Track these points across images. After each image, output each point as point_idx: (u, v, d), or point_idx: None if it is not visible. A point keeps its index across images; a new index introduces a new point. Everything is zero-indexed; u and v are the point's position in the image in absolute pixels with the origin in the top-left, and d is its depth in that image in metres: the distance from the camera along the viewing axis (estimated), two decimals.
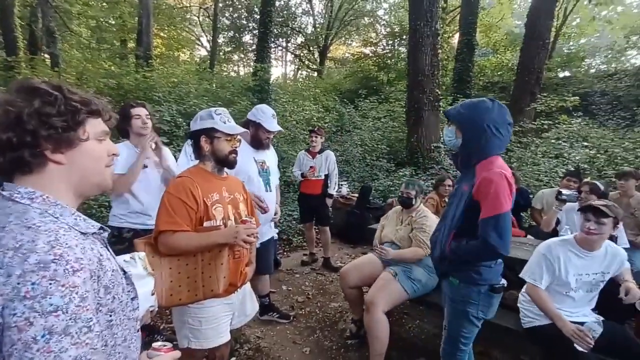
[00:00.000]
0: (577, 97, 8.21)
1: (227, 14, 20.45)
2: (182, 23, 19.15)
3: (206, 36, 22.63)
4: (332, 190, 4.01)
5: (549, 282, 1.90)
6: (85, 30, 13.27)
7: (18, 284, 0.54)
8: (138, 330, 0.81)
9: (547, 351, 1.94)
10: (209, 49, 21.20)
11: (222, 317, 1.56)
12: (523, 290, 2.07)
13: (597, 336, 1.70)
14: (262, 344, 2.53)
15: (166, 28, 16.76)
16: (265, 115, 2.33)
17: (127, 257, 1.00)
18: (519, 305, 2.09)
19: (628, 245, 2.69)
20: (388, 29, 18.64)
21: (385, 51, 17.51)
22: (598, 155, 5.59)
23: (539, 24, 8.31)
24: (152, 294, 1.01)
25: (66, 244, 0.60)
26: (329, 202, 4.03)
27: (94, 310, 0.61)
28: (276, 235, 3.16)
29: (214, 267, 1.44)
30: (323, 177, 3.90)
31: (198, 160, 1.60)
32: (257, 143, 2.38)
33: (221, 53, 21.06)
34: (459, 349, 1.65)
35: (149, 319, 1.18)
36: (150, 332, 2.39)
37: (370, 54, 17.71)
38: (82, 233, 0.68)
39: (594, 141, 6.19)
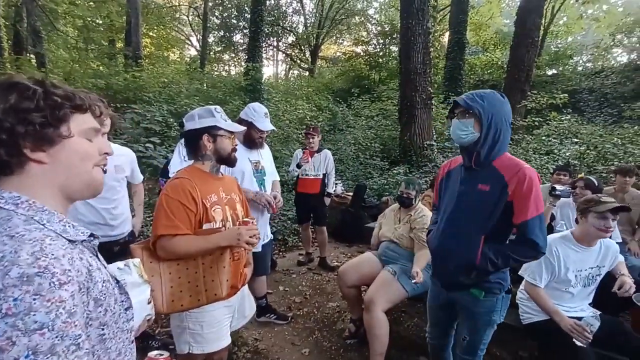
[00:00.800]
0: (566, 95, 8.34)
1: (217, 13, 20.29)
2: (172, 22, 18.99)
3: (196, 36, 22.43)
4: (331, 189, 3.97)
5: (548, 280, 1.91)
6: (72, 29, 13.03)
7: None
8: (133, 342, 0.77)
9: (546, 346, 1.95)
10: (199, 48, 21.01)
11: (223, 320, 1.52)
12: (521, 287, 2.07)
13: (595, 330, 1.71)
14: (261, 346, 2.49)
15: (155, 27, 16.59)
16: (258, 115, 2.30)
17: (120, 264, 0.96)
18: (517, 302, 2.09)
19: (621, 240, 2.74)
20: (379, 28, 18.71)
21: (376, 50, 17.57)
22: (588, 151, 5.68)
23: (528, 22, 8.41)
24: (149, 302, 0.97)
25: (52, 254, 0.56)
26: (327, 201, 3.99)
27: (83, 326, 0.57)
28: (272, 236, 3.13)
29: (216, 270, 1.40)
30: (321, 176, 3.85)
31: (192, 161, 1.55)
32: (250, 142, 2.35)
33: (211, 53, 20.88)
34: (477, 355, 1.64)
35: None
36: (144, 339, 2.32)
37: (362, 53, 17.74)
38: (70, 241, 0.64)
39: (583, 137, 6.29)
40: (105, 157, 0.75)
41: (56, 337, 0.52)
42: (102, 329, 0.65)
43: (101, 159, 0.73)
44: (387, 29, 17.16)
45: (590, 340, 1.69)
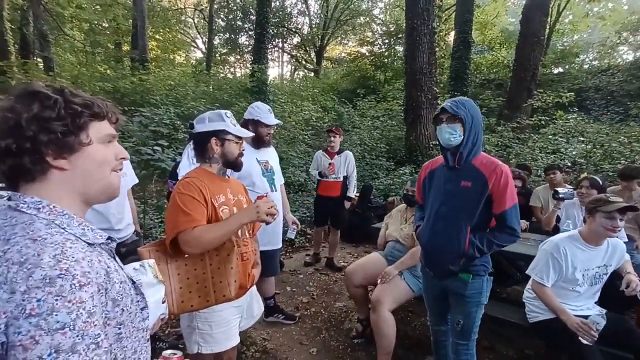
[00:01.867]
0: (572, 93, 8.27)
1: (222, 16, 20.42)
2: (177, 25, 19.13)
3: (202, 38, 22.58)
4: (352, 192, 3.89)
5: (555, 279, 1.92)
6: (78, 33, 13.19)
7: (23, 300, 0.52)
8: (148, 340, 0.80)
9: (553, 345, 1.96)
10: (204, 50, 21.15)
11: (232, 320, 1.55)
12: (528, 286, 2.08)
13: (601, 329, 1.72)
14: (269, 346, 2.53)
15: (161, 30, 16.72)
16: (262, 111, 2.36)
17: (136, 265, 0.99)
18: (524, 300, 2.11)
19: (626, 239, 2.73)
20: (384, 28, 18.69)
21: (381, 50, 17.55)
22: (594, 150, 5.64)
23: (533, 20, 8.36)
24: (163, 302, 1.01)
25: (73, 257, 0.58)
26: (347, 204, 3.94)
27: (101, 325, 0.60)
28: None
29: (224, 271, 1.42)
30: (342, 179, 3.81)
31: (199, 163, 1.58)
32: (259, 140, 2.38)
33: (217, 55, 21.00)
34: (472, 340, 1.71)
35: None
36: (152, 340, 2.33)
37: (367, 53, 17.75)
38: (89, 244, 0.66)
39: (590, 136, 6.25)
40: (121, 162, 0.78)
41: (77, 336, 0.54)
42: (119, 328, 0.67)
43: (118, 164, 0.76)
44: (392, 29, 17.15)
45: (596, 339, 1.70)
